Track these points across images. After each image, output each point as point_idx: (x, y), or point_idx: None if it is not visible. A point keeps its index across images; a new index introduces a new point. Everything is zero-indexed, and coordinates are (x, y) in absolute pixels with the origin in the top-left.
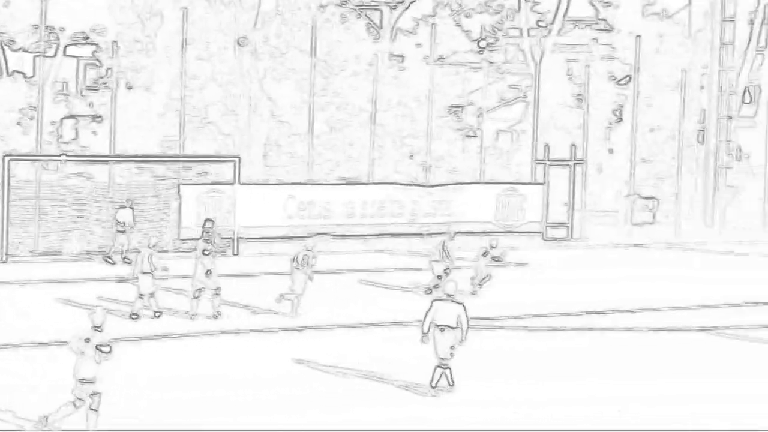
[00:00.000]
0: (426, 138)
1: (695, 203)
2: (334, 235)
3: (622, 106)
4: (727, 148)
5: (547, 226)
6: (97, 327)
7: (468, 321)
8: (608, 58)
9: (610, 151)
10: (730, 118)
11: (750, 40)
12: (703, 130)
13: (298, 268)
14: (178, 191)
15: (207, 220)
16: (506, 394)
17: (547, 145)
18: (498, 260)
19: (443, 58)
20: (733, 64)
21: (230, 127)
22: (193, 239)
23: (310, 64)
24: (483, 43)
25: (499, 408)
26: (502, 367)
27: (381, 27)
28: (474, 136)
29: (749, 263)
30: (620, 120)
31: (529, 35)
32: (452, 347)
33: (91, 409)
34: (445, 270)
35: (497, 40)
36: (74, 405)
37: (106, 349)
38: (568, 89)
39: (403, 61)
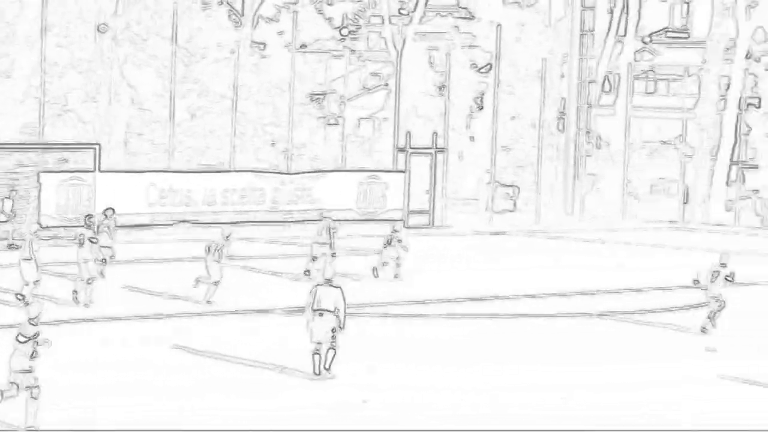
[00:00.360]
0: (288, 126)
1: (555, 191)
2: (193, 223)
3: (483, 94)
4: (586, 136)
5: (408, 214)
6: (32, 319)
7: (345, 305)
8: (469, 46)
9: (471, 139)
10: (589, 106)
11: (609, 28)
12: (563, 118)
13: (216, 260)
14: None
15: (108, 209)
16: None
17: (408, 132)
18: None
19: (305, 46)
20: (593, 53)
21: (90, 114)
22: (54, 227)
23: (171, 51)
24: (345, 31)
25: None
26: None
27: (242, 14)
28: (336, 124)
29: (610, 251)
30: (481, 108)
31: (390, 23)
32: (333, 330)
33: (32, 398)
34: (332, 254)
35: (359, 27)
36: (1, 395)
37: (43, 342)
38: (429, 77)
39: (264, 49)
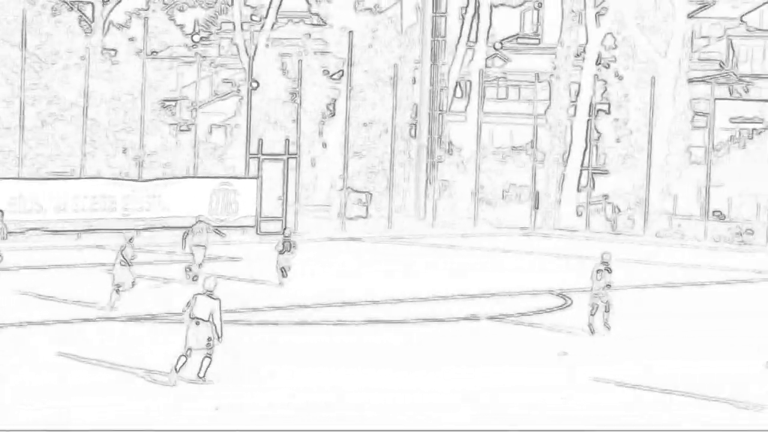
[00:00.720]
0: (139, 132)
1: (408, 197)
2: (45, 230)
3: (335, 101)
4: (439, 142)
5: (260, 220)
6: None
7: (221, 318)
8: (321, 52)
9: (324, 145)
10: (441, 112)
11: (460, 35)
12: (415, 124)
13: (123, 264)
14: None
15: None
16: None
17: (260, 139)
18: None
19: (156, 53)
20: (445, 59)
21: None
22: None
23: (21, 57)
24: (196, 38)
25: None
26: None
27: (93, 20)
28: (187, 131)
29: (464, 255)
30: (333, 114)
31: (242, 29)
32: (209, 339)
33: None
34: (204, 255)
35: (211, 34)
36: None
37: None
38: (282, 84)
39: (115, 55)
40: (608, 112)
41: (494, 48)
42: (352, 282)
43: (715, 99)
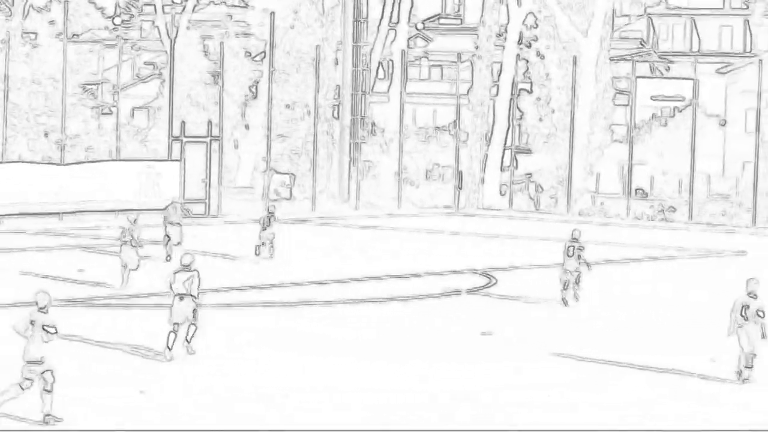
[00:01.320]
0: (61, 116)
1: (331, 179)
2: None
3: (257, 82)
4: (361, 123)
5: (184, 203)
6: (42, 308)
7: (199, 286)
8: (243, 34)
9: (247, 127)
10: (364, 93)
11: (382, 15)
12: (338, 105)
13: (133, 245)
14: None
15: None
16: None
17: (183, 122)
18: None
19: (77, 36)
20: (367, 40)
21: None
22: None
23: None
24: (117, 20)
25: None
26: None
27: (13, 4)
28: (109, 114)
29: (388, 236)
30: (256, 96)
31: (164, 12)
32: (194, 311)
33: (45, 390)
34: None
35: (132, 17)
36: (21, 387)
37: (52, 329)
38: (204, 66)
39: (36, 39)
40: (530, 92)
41: (416, 28)
42: (277, 265)
43: (637, 77)
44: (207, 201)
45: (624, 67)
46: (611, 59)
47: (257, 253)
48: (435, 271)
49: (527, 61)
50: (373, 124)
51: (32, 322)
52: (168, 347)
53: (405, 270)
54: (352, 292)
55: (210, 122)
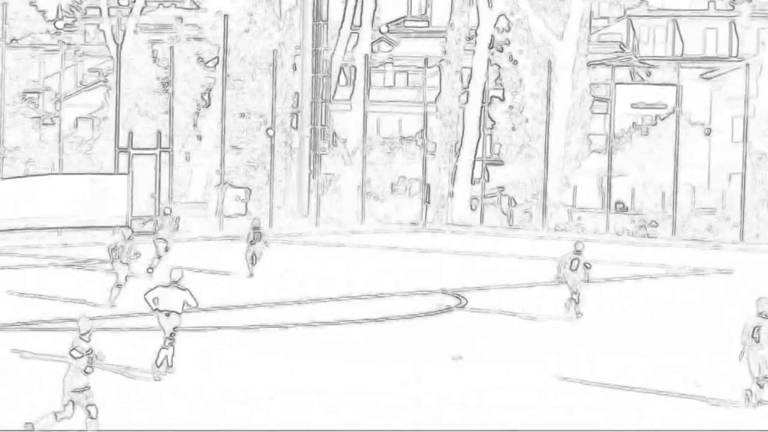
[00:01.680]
0: None
1: (290, 192)
2: None
3: (210, 90)
4: (322, 133)
5: (132, 220)
6: (83, 335)
7: (195, 300)
8: (195, 38)
9: (199, 138)
10: (325, 101)
11: (344, 18)
12: (297, 114)
13: (123, 262)
14: None
15: None
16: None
17: (130, 132)
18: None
19: (16, 41)
20: (328, 45)
21: None
22: None
23: None
24: (60, 24)
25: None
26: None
27: None
28: (51, 124)
29: (350, 255)
30: (209, 104)
31: (109, 15)
32: (174, 329)
33: (90, 418)
34: (165, 248)
35: (75, 20)
36: (55, 416)
37: (77, 354)
38: (152, 72)
39: None
40: (503, 99)
41: (380, 32)
42: (232, 284)
43: (616, 83)
44: (156, 217)
45: (602, 72)
46: (589, 64)
47: (250, 273)
48: (401, 291)
49: (499, 67)
50: (335, 134)
51: (74, 350)
52: (156, 364)
53: (368, 291)
54: (309, 315)
55: (159, 133)
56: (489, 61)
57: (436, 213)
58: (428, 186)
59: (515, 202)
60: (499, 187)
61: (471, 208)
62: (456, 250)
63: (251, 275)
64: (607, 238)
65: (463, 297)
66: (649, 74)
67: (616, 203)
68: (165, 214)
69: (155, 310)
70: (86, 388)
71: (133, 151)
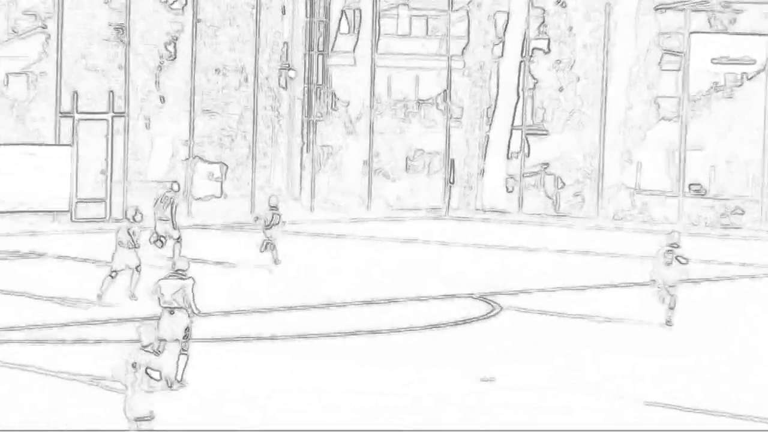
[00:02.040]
0: None
1: (277, 169)
2: None
3: (176, 39)
4: (318, 93)
5: (77, 203)
6: (146, 347)
7: (193, 297)
8: None
9: (162, 99)
10: (322, 53)
11: None
12: (287, 69)
13: (130, 247)
14: None
15: None
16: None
17: (75, 92)
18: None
19: None
20: None
21: None
22: None
23: None
24: None
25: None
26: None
27: None
28: None
29: (353, 248)
30: (174, 57)
31: None
32: (186, 331)
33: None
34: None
35: None
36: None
37: (156, 375)
38: (104, 17)
39: None
40: (548, 52)
41: None
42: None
43: (691, 33)
44: (108, 200)
45: (674, 19)
46: (657, 8)
47: (261, 250)
48: (419, 296)
49: (543, 11)
50: (334, 96)
51: (134, 365)
52: (177, 379)
53: (377, 295)
54: (299, 324)
55: (112, 93)
56: (530, 3)
57: (462, 196)
58: (452, 162)
59: (563, 183)
60: (543, 164)
61: (507, 189)
62: (487, 243)
63: (277, 262)
64: (680, 229)
65: (496, 303)
66: (733, 21)
67: (691, 185)
68: (173, 190)
69: (163, 307)
70: (151, 416)
71: (78, 117)
